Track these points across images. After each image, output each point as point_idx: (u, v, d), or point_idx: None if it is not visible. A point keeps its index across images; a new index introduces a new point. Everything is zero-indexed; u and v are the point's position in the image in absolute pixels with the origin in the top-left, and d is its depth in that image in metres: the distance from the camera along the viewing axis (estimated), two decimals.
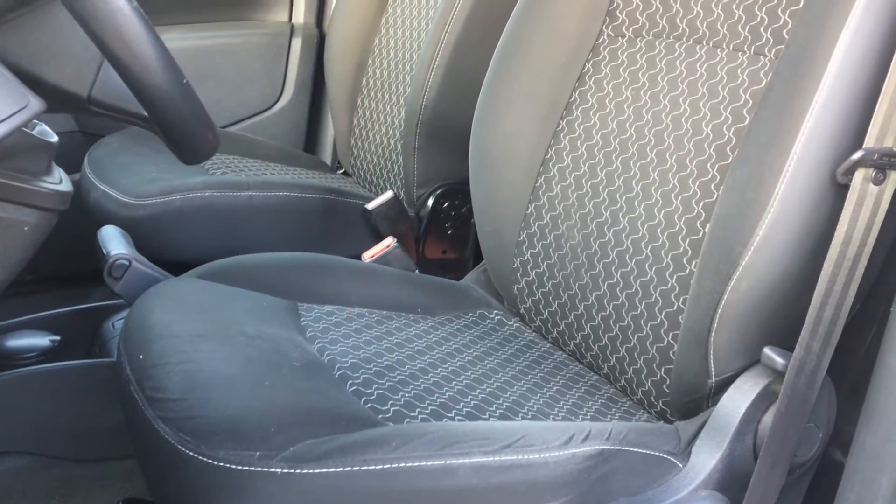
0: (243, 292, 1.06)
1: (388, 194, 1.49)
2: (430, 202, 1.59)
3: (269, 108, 1.99)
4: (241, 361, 0.85)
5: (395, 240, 1.29)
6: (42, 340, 1.23)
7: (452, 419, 0.87)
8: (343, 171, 1.93)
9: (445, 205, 1.59)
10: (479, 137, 1.22)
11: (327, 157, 2.04)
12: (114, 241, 1.18)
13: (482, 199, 1.23)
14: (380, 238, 1.50)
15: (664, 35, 1.06)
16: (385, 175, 1.73)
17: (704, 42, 1.01)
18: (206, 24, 1.93)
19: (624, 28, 1.12)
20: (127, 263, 1.13)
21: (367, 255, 1.29)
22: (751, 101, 0.91)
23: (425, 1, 1.69)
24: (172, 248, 1.40)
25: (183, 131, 0.75)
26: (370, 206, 1.48)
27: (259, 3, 1.99)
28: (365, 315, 1.10)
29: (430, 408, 0.88)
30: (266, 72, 1.98)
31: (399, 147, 1.66)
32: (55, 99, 0.72)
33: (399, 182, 1.67)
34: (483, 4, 1.48)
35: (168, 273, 1.18)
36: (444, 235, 1.61)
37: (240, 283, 1.08)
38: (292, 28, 2.00)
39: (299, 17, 2.01)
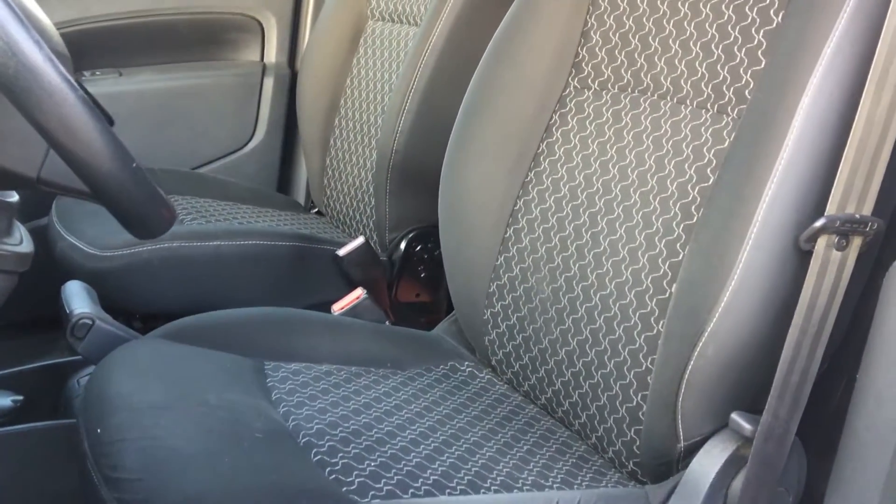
0: (208, 353, 1.04)
1: (360, 240, 1.48)
2: (403, 245, 1.58)
3: (242, 147, 1.98)
4: (201, 436, 0.83)
5: (365, 291, 1.28)
6: (4, 401, 1.20)
7: (418, 490, 0.85)
8: (317, 210, 1.91)
9: (418, 248, 1.58)
10: (448, 189, 1.21)
11: (301, 196, 2.03)
12: (77, 299, 1.16)
13: (452, 250, 1.22)
14: (352, 284, 1.48)
15: (629, 89, 1.06)
16: (358, 217, 1.72)
17: (669, 98, 1.00)
18: (177, 66, 1.92)
19: (590, 80, 1.12)
20: (90, 323, 1.11)
21: (337, 308, 1.28)
22: (714, 161, 0.91)
23: (395, 43, 1.69)
24: (140, 301, 1.38)
25: (135, 213, 0.74)
26: (341, 252, 1.47)
27: (231, 43, 1.98)
28: (333, 373, 1.09)
29: (395, 478, 0.86)
30: (238, 111, 1.97)
31: (371, 189, 1.65)
32: (2, 178, 0.71)
33: (372, 224, 1.66)
34: (452, 50, 1.48)
35: (133, 331, 1.16)
36: (417, 279, 1.60)
37: (205, 343, 1.06)
38: (264, 67, 1.99)
39: (271, 56, 2.00)
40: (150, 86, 1.87)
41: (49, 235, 1.46)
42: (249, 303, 1.39)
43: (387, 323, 1.31)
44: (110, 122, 1.95)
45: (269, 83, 1.98)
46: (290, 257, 1.46)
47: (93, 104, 0.70)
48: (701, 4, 0.97)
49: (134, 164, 0.71)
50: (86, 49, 1.84)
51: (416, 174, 1.51)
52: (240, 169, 1.97)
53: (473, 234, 1.19)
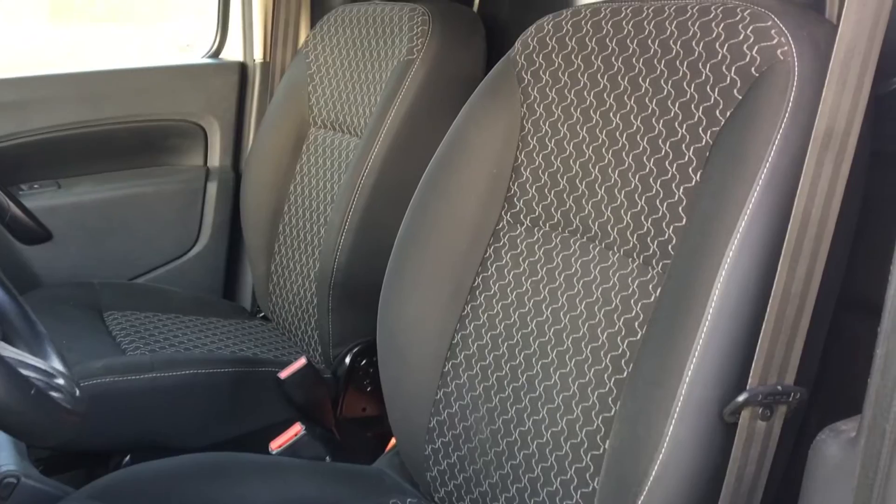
0: None
1: (301, 361, 1.45)
2: (348, 360, 1.56)
3: (186, 253, 1.96)
4: None
5: (304, 427, 1.25)
6: None
7: None
8: (263, 314, 1.89)
9: (363, 362, 1.56)
10: (386, 321, 1.20)
11: (247, 301, 2.00)
12: (3, 454, 1.12)
13: (391, 382, 1.21)
14: (294, 406, 1.46)
15: (560, 228, 1.07)
16: (303, 327, 1.69)
17: (597, 242, 1.01)
18: (118, 174, 1.90)
19: (522, 216, 1.12)
20: (15, 482, 1.07)
21: (275, 445, 1.25)
22: (641, 315, 0.91)
23: (337, 153, 1.69)
24: (75, 441, 1.33)
25: (35, 434, 0.71)
26: (283, 375, 1.45)
27: (173, 149, 1.97)
28: None
29: None
30: (181, 218, 1.95)
31: (315, 300, 1.63)
32: None
33: (317, 336, 1.64)
34: (392, 166, 1.48)
35: (63, 485, 1.12)
36: (363, 392, 1.58)
37: (134, 500, 1.02)
38: (207, 171, 1.98)
39: (215, 160, 1.99)
40: (89, 197, 1.85)
41: None
42: (188, 434, 1.36)
43: (327, 459, 1.28)
44: (48, 236, 1.92)
45: (212, 187, 1.97)
46: (230, 384, 1.43)
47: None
48: (624, 153, 0.98)
49: (33, 391, 0.68)
50: (24, 162, 1.81)
51: (358, 291, 1.50)
52: (184, 275, 1.94)
53: (412, 368, 1.17)
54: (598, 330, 0.96)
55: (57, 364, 0.77)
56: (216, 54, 2.05)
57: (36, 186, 1.81)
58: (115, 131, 1.88)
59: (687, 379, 0.77)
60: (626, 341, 0.92)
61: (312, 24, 2.00)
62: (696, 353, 0.77)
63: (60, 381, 0.74)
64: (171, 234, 1.93)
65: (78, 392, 0.75)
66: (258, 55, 1.99)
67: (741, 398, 0.76)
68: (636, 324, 0.92)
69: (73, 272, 1.81)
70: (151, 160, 1.94)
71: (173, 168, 1.97)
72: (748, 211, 0.78)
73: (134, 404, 1.35)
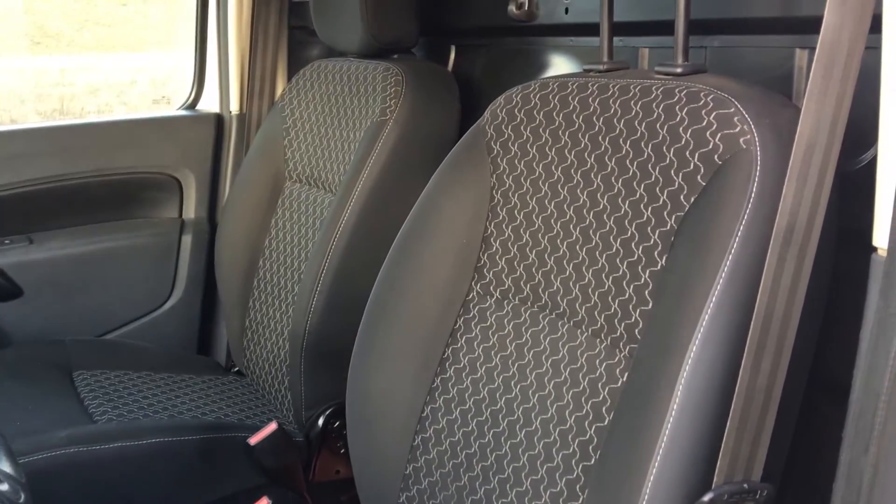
0: None
1: (272, 427, 1.42)
2: (321, 422, 1.54)
3: (160, 307, 1.93)
4: None
5: (270, 501, 1.22)
6: None
7: None
8: (237, 370, 1.86)
9: (336, 424, 1.54)
10: (355, 393, 1.18)
11: (222, 354, 1.98)
12: None
13: (360, 454, 1.18)
14: (264, 473, 1.43)
15: (529, 303, 1.05)
16: (277, 385, 1.67)
17: (566, 319, 1.00)
18: (92, 227, 1.88)
19: (491, 288, 1.11)
20: None
21: None
22: (609, 401, 0.90)
23: (312, 209, 1.68)
24: None
25: None
26: (252, 441, 1.42)
27: (148, 201, 1.95)
28: None
29: None
30: (156, 270, 1.93)
31: (288, 361, 1.61)
32: None
33: (290, 396, 1.61)
34: (365, 227, 1.47)
35: None
36: (337, 455, 1.55)
37: None
38: (182, 224, 1.97)
39: (190, 212, 1.97)
40: (62, 252, 1.82)
41: None
42: (157, 503, 1.32)
43: None
44: (19, 293, 1.89)
45: (187, 240, 1.95)
46: (199, 451, 1.40)
47: None
48: (591, 231, 0.97)
49: None
50: None
51: (331, 353, 1.48)
52: (158, 329, 1.92)
53: (382, 442, 1.15)
54: (567, 412, 0.94)
55: (4, 465, 0.74)
56: (192, 105, 2.04)
57: (7, 242, 1.79)
58: (88, 185, 1.86)
59: (652, 477, 0.75)
60: (594, 427, 0.90)
61: (289, 77, 2.01)
62: (661, 451, 0.75)
63: (4, 486, 0.72)
64: (145, 287, 1.91)
65: (23, 497, 0.72)
66: (234, 107, 1.98)
67: (707, 498, 0.74)
68: (604, 409, 0.90)
69: (45, 329, 1.78)
70: (126, 213, 1.92)
71: (148, 221, 1.95)
72: (711, 304, 0.77)
73: (100, 475, 1.32)
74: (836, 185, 0.77)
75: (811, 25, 0.95)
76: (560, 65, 1.46)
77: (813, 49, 0.97)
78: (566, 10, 1.36)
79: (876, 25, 0.73)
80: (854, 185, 0.89)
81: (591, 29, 1.10)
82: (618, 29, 1.15)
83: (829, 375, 0.87)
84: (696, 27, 1.09)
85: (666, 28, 0.99)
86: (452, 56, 1.72)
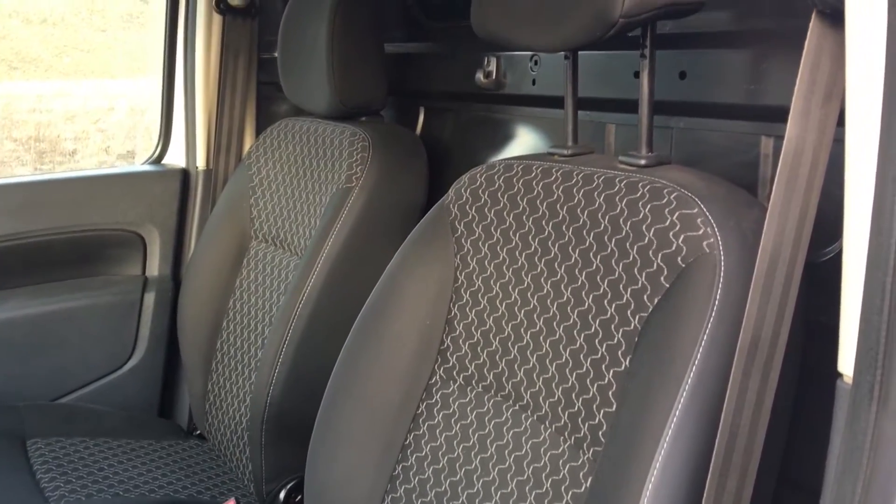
0: None
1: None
2: (282, 496, 1.49)
3: (120, 367, 1.88)
4: None
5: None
6: None
7: None
8: (199, 433, 1.81)
9: (298, 498, 1.49)
10: (313, 479, 1.14)
11: (184, 417, 1.92)
12: None
13: None
14: None
15: (493, 392, 1.02)
16: (238, 454, 1.62)
17: (529, 412, 0.97)
18: (51, 286, 1.82)
19: (455, 373, 1.08)
20: None
21: None
22: None
23: (277, 271, 1.64)
24: None
25: None
26: None
27: (111, 258, 1.90)
28: None
29: None
30: (116, 330, 1.87)
31: (249, 431, 1.56)
32: None
33: (251, 467, 1.56)
34: (330, 295, 1.44)
35: None
36: None
37: None
38: (145, 281, 1.92)
39: (153, 269, 1.93)
40: (19, 313, 1.77)
41: None
42: None
43: None
44: None
45: (150, 298, 1.90)
46: None
47: None
48: (555, 323, 0.94)
49: None
50: None
51: (292, 426, 1.44)
52: (118, 391, 1.86)
53: None
54: None
55: None
56: (158, 160, 2.00)
57: None
58: (48, 243, 1.81)
59: None
60: None
61: (257, 133, 1.98)
62: None
63: None
64: (105, 347, 1.85)
65: None
66: (201, 162, 1.95)
67: None
68: None
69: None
70: (86, 270, 1.87)
71: (109, 279, 1.90)
72: (675, 417, 0.74)
73: None
74: (802, 279, 0.75)
75: (776, 114, 0.94)
76: (527, 136, 1.44)
77: (779, 137, 0.96)
78: (533, 82, 1.35)
79: (840, 119, 0.72)
80: (820, 277, 0.87)
81: (559, 102, 1.09)
82: (585, 104, 1.14)
83: (795, 471, 0.85)
84: (663, 108, 1.08)
85: (632, 106, 0.98)
86: (422, 117, 1.70)
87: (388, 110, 1.71)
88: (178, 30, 1.92)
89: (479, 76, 1.42)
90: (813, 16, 0.67)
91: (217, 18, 1.87)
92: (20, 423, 1.62)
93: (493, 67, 1.42)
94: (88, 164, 2.82)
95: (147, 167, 1.98)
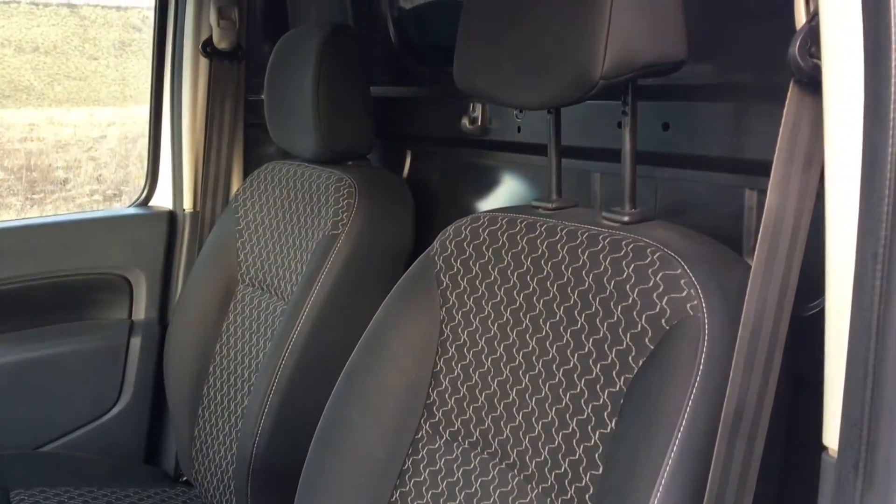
0: None
1: None
2: None
3: (105, 413, 1.85)
4: None
5: None
6: None
7: None
8: (186, 479, 1.79)
9: None
10: None
11: (171, 463, 1.89)
12: None
13: None
14: None
15: (479, 448, 1.01)
16: (225, 502, 1.60)
17: (516, 472, 0.95)
18: (36, 332, 1.80)
19: (441, 428, 1.06)
20: None
21: None
22: None
23: (264, 316, 1.63)
24: None
25: None
26: None
27: (96, 303, 1.88)
28: None
29: None
30: (102, 375, 1.85)
31: (235, 480, 1.54)
32: None
33: None
34: (315, 347, 1.42)
35: None
36: None
37: None
38: (132, 325, 1.90)
39: (140, 313, 1.91)
40: (3, 359, 1.74)
41: None
42: None
43: None
44: None
45: (136, 342, 1.88)
46: None
47: None
48: (540, 381, 0.93)
49: None
50: None
51: (278, 476, 1.42)
52: (103, 437, 1.83)
53: None
54: None
55: None
56: (145, 202, 1.99)
57: None
58: (32, 288, 1.79)
59: None
60: None
61: (245, 175, 1.97)
62: None
63: None
64: (90, 393, 1.83)
65: None
66: (188, 204, 1.94)
67: None
68: None
69: None
70: (71, 315, 1.85)
71: (95, 323, 1.88)
72: (661, 484, 0.73)
73: None
74: (788, 335, 0.74)
75: (759, 168, 0.94)
76: (513, 182, 1.44)
77: (762, 191, 0.96)
78: (518, 129, 1.35)
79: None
80: (807, 331, 0.87)
81: (544, 149, 1.09)
82: (570, 152, 1.14)
83: None
84: (647, 158, 1.08)
85: (617, 155, 0.98)
86: (408, 161, 1.70)
87: (375, 153, 1.71)
88: (165, 73, 1.92)
89: (465, 122, 1.43)
90: (791, 84, 0.67)
91: (203, 62, 1.87)
92: (2, 473, 1.60)
93: (478, 113, 1.43)
94: (80, 193, 2.81)
95: (133, 210, 1.97)
